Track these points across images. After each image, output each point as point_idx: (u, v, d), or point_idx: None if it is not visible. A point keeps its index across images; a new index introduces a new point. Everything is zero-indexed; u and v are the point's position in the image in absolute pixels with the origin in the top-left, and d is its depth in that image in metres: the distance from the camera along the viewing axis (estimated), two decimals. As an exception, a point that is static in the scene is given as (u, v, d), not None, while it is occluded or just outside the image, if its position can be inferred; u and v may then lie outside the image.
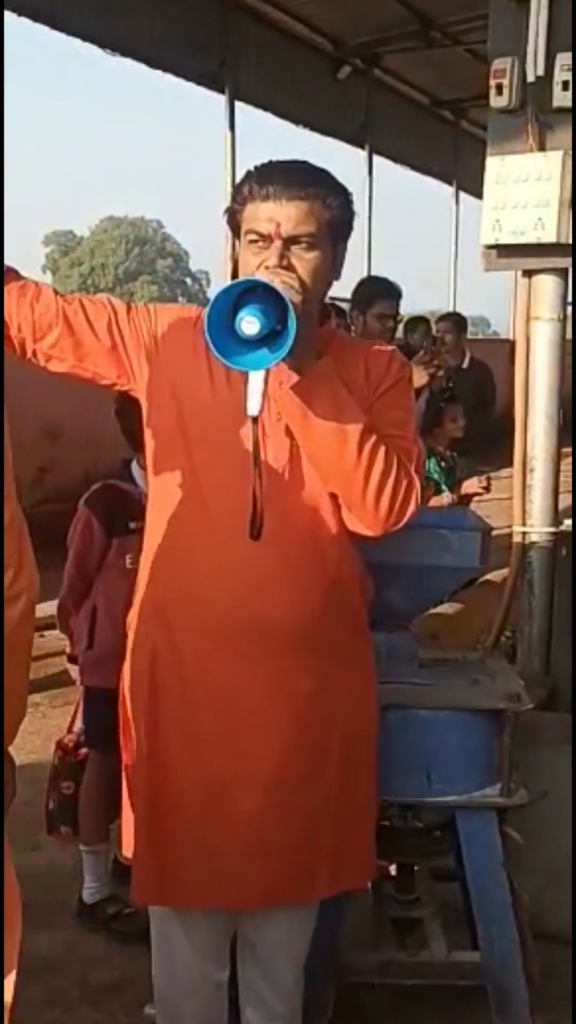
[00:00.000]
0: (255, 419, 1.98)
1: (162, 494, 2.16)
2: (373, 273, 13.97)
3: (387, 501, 2.08)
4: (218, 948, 2.31)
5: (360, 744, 2.25)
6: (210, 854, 2.14)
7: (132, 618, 2.24)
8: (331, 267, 2.12)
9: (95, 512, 3.23)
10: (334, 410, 2.04)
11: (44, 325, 2.09)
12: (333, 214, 2.07)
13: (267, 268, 2.03)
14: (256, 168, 2.13)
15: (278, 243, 2.04)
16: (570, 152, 3.38)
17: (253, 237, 2.06)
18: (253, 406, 1.96)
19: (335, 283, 2.17)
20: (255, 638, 2.09)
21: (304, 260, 2.06)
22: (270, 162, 2.13)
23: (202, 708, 2.12)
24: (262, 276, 1.96)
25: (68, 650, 3.46)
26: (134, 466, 3.25)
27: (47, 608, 6.95)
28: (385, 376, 2.18)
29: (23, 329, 2.09)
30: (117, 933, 3.27)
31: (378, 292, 4.72)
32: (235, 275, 2.12)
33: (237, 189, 2.13)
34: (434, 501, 4.87)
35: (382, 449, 2.07)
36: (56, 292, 2.14)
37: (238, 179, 2.15)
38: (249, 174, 2.12)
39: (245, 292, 1.91)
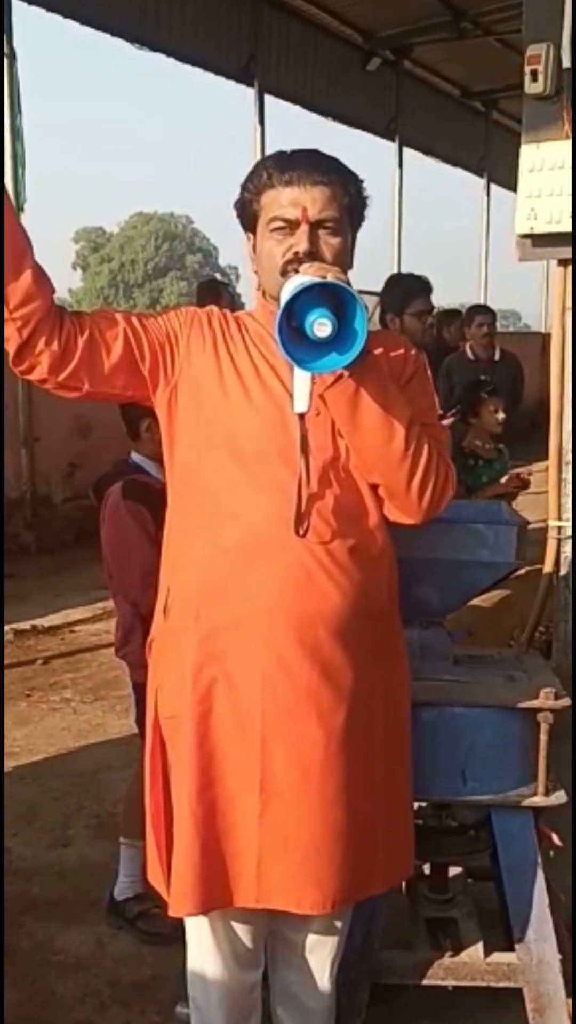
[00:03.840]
0: (302, 416, 2.00)
1: (193, 494, 2.12)
2: (402, 267, 13.96)
3: (429, 490, 2.09)
4: (254, 951, 2.28)
5: (399, 738, 2.23)
6: (275, 860, 2.08)
7: (163, 621, 2.18)
8: (350, 254, 2.11)
9: (143, 505, 3.15)
10: (383, 402, 2.02)
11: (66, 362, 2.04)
12: (352, 200, 2.08)
13: (299, 260, 2.01)
14: (270, 157, 2.11)
15: (305, 227, 2.02)
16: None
17: (278, 224, 2.04)
18: (302, 404, 1.98)
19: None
20: (300, 634, 2.05)
21: (330, 245, 2.05)
22: (283, 151, 2.12)
23: (253, 710, 2.06)
24: (312, 274, 1.92)
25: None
26: (138, 458, 3.22)
27: (76, 607, 7.00)
28: (405, 365, 2.18)
29: (43, 365, 2.03)
30: (142, 932, 3.24)
31: (413, 290, 4.63)
32: (262, 272, 2.09)
33: (250, 178, 2.10)
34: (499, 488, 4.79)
35: (424, 439, 2.07)
36: (72, 317, 2.07)
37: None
38: (263, 163, 2.10)
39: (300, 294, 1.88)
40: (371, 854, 2.16)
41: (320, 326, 1.85)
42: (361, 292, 1.94)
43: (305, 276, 1.93)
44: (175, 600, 2.14)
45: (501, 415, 5.24)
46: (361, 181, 2.11)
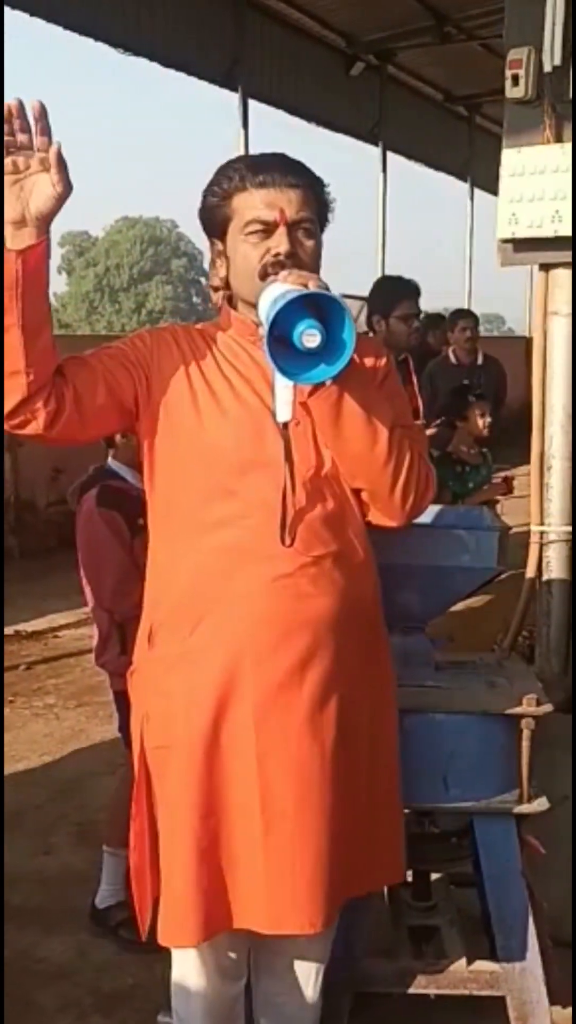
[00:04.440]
0: (286, 425, 1.99)
1: (175, 518, 2.09)
2: (387, 271, 13.96)
3: (413, 492, 2.09)
4: (238, 962, 2.26)
5: (386, 743, 2.22)
6: (283, 883, 2.05)
7: (147, 650, 2.14)
8: (320, 257, 2.10)
9: (119, 512, 3.13)
10: (366, 407, 2.01)
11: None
12: (320, 203, 2.08)
13: (280, 263, 2.00)
14: (238, 160, 2.10)
15: (283, 229, 2.01)
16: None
17: (255, 227, 2.02)
18: (285, 413, 1.97)
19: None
20: (290, 647, 2.03)
21: (306, 247, 2.05)
22: (247, 156, 2.14)
23: (248, 731, 2.03)
24: (292, 282, 1.90)
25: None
26: (115, 464, 3.20)
27: (60, 612, 6.96)
28: (377, 367, 2.17)
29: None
30: (124, 940, 3.22)
31: (400, 293, 4.62)
32: (237, 277, 2.08)
33: (217, 182, 2.08)
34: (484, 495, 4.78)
35: (406, 441, 2.07)
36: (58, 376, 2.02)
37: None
38: (231, 167, 2.08)
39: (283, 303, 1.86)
40: (358, 859, 2.16)
41: (309, 337, 1.84)
42: (344, 296, 1.93)
43: (285, 285, 1.91)
44: (161, 627, 2.11)
45: (487, 419, 5.24)
46: (326, 185, 2.11)
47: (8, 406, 1.95)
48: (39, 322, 1.91)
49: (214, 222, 2.09)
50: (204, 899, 2.06)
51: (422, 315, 4.84)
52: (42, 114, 1.80)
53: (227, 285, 2.16)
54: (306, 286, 1.88)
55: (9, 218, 1.84)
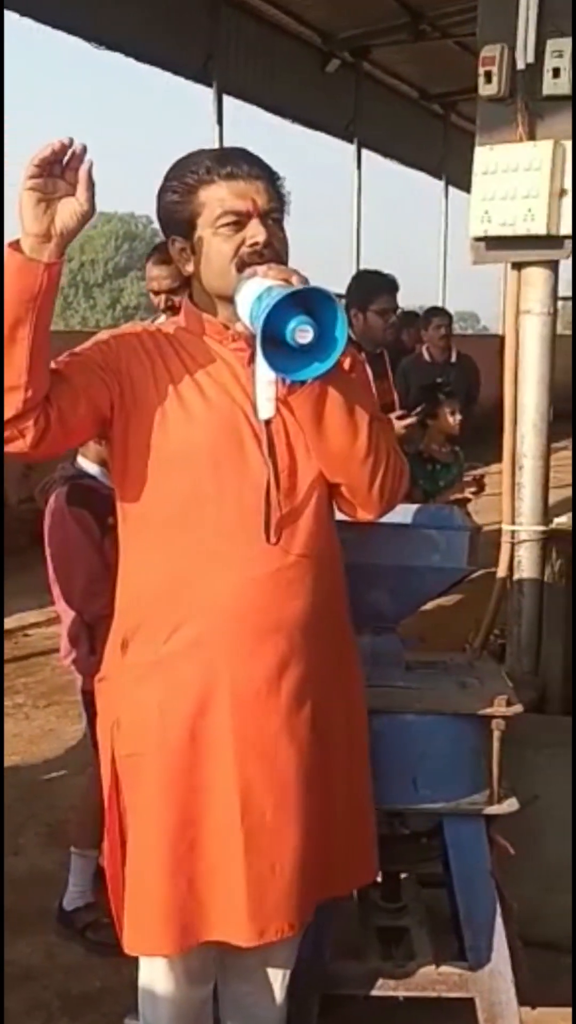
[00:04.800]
0: (268, 422, 1.98)
1: (151, 525, 2.05)
2: (362, 266, 13.95)
3: (390, 485, 2.09)
4: (206, 966, 2.24)
5: (359, 743, 2.22)
6: (265, 889, 2.03)
7: (120, 658, 2.10)
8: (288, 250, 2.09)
9: (89, 510, 3.09)
10: (347, 401, 1.99)
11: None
12: (281, 195, 2.06)
13: (259, 253, 1.97)
14: (200, 154, 2.05)
15: (256, 220, 1.98)
16: (561, 141, 3.30)
17: (229, 219, 1.99)
18: (268, 410, 1.95)
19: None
20: (267, 646, 2.01)
21: (278, 238, 2.03)
22: (206, 149, 2.08)
23: (225, 735, 2.01)
24: (274, 277, 1.88)
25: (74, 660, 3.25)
26: (84, 462, 3.17)
27: (30, 611, 6.89)
28: (344, 359, 2.13)
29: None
30: (91, 943, 3.19)
31: (378, 287, 4.61)
32: (210, 272, 2.03)
33: (178, 177, 2.03)
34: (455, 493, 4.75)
35: (382, 434, 2.06)
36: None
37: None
38: (193, 160, 2.03)
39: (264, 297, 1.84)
40: (335, 861, 2.15)
41: (302, 333, 1.81)
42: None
43: (266, 280, 1.88)
44: (135, 635, 2.07)
45: (458, 417, 5.22)
46: (282, 179, 2.08)
47: (10, 427, 1.89)
48: (46, 339, 1.87)
49: (177, 219, 2.04)
50: (180, 908, 2.03)
51: (398, 311, 4.84)
52: (82, 153, 1.80)
53: (187, 283, 2.12)
54: (288, 280, 1.85)
55: (33, 231, 1.80)
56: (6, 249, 1.82)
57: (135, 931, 2.08)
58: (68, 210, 1.81)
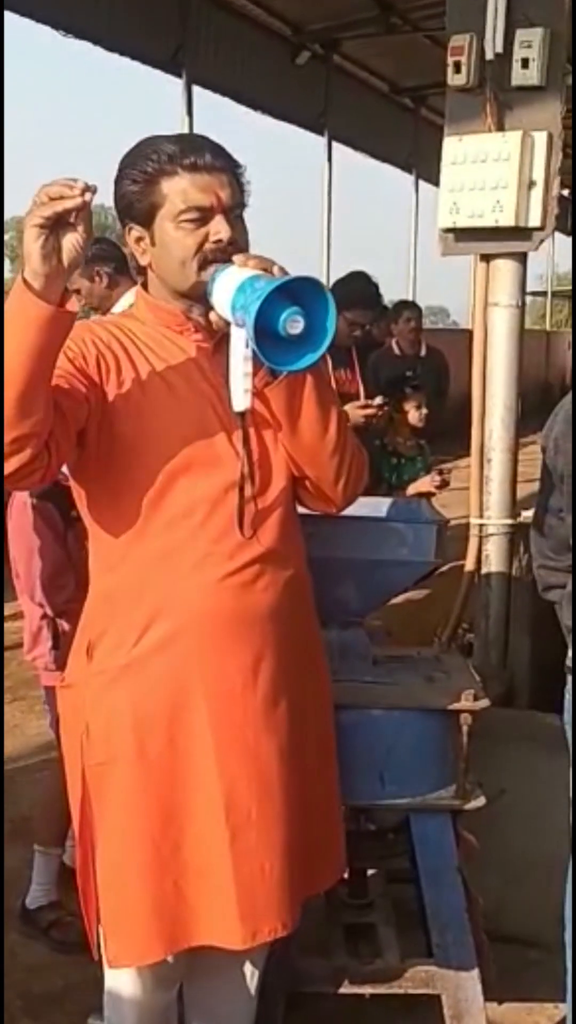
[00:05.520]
0: (243, 414, 1.94)
1: (118, 516, 1.99)
2: (331, 261, 13.95)
3: (354, 478, 2.09)
4: (174, 967, 2.18)
5: (327, 739, 2.20)
6: (255, 890, 1.99)
7: (86, 663, 2.04)
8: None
9: (52, 503, 3.03)
10: (319, 395, 1.97)
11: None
12: (244, 188, 2.00)
13: (224, 250, 1.93)
14: (159, 140, 1.97)
15: (220, 216, 1.94)
16: (530, 132, 3.28)
17: (192, 215, 1.93)
18: (243, 402, 1.91)
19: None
20: (241, 642, 1.98)
21: (240, 233, 1.98)
22: (166, 135, 1.99)
23: (204, 733, 1.97)
24: (253, 266, 1.84)
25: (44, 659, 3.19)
26: None
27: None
28: None
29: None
30: (55, 942, 3.15)
31: (360, 298, 4.60)
32: (170, 265, 1.98)
33: (137, 165, 1.95)
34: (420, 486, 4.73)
35: (346, 427, 2.05)
36: None
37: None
38: (153, 147, 1.95)
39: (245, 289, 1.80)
40: (314, 858, 2.13)
41: (294, 323, 1.78)
42: None
43: (245, 271, 1.84)
44: (102, 640, 2.02)
45: (423, 411, 5.20)
46: (244, 168, 2.02)
47: (13, 466, 1.79)
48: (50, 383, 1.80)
49: (137, 208, 1.96)
50: (167, 912, 2.00)
51: (365, 327, 4.82)
52: (92, 197, 1.69)
53: (143, 272, 2.07)
54: (269, 271, 1.82)
55: (44, 271, 1.70)
56: (27, 299, 1.71)
57: (118, 942, 2.03)
58: (71, 243, 1.71)
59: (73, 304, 1.76)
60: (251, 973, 2.28)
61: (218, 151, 1.97)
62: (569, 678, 2.50)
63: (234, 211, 1.96)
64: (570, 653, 2.49)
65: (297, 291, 1.80)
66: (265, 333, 1.79)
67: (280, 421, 2.00)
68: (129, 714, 1.99)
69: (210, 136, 2.04)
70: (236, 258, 1.89)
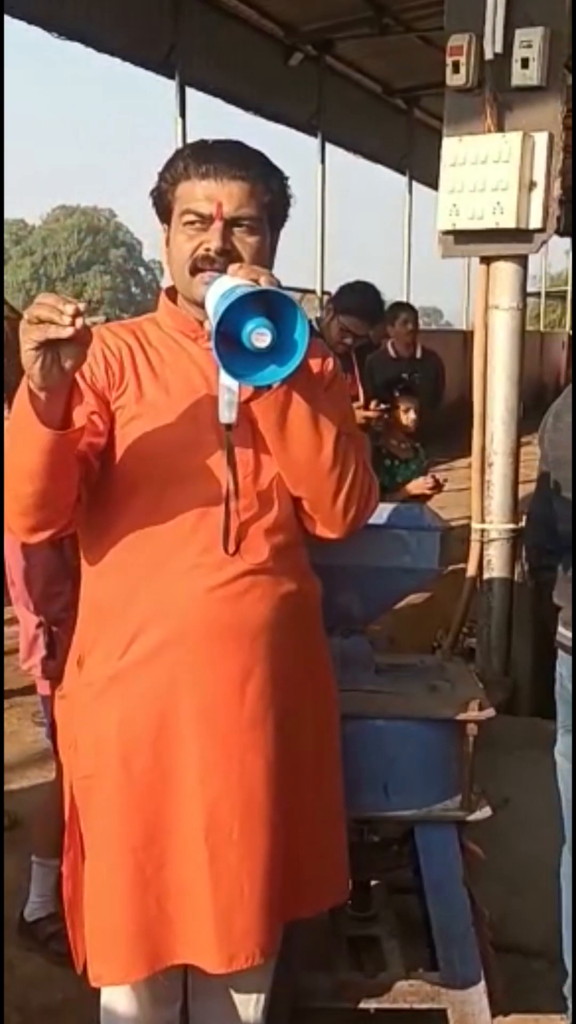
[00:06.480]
0: (229, 427, 1.90)
1: (108, 525, 1.97)
2: (325, 263, 13.93)
3: (355, 503, 2.00)
4: (172, 986, 2.15)
5: (328, 755, 2.15)
6: (235, 914, 1.95)
7: (77, 674, 2.02)
8: (271, 254, 2.00)
9: None
10: (313, 411, 1.90)
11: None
12: (273, 197, 1.96)
13: (210, 259, 1.91)
14: (190, 146, 1.99)
15: (219, 224, 1.91)
16: (530, 133, 3.25)
17: (191, 218, 1.92)
18: (228, 415, 1.87)
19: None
20: (233, 658, 1.94)
21: (246, 244, 1.93)
22: (204, 141, 1.99)
23: (190, 750, 1.94)
24: (243, 277, 1.79)
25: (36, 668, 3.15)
26: None
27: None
28: (324, 369, 2.06)
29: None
30: (55, 954, 3.11)
31: (359, 308, 4.57)
32: (173, 267, 1.97)
33: (167, 167, 1.98)
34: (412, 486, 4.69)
35: (351, 449, 1.97)
36: None
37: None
38: (181, 152, 1.98)
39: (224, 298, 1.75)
40: (305, 879, 2.08)
41: (259, 336, 1.71)
42: (284, 288, 1.83)
43: (234, 279, 1.80)
44: (92, 650, 2.00)
45: (412, 415, 5.16)
46: (286, 178, 1.99)
47: (44, 535, 1.90)
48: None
49: (161, 207, 1.99)
50: (149, 930, 1.96)
51: (359, 340, 4.79)
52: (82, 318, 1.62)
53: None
54: (256, 280, 1.77)
55: (44, 385, 1.66)
56: (32, 421, 1.69)
57: (100, 961, 2.00)
58: (70, 354, 1.65)
59: (81, 418, 1.77)
60: (255, 1000, 2.22)
61: (239, 159, 1.93)
62: (561, 653, 2.48)
63: (240, 222, 1.92)
64: (565, 632, 2.47)
65: (277, 307, 1.75)
66: (237, 344, 1.74)
67: (269, 436, 1.95)
68: (115, 728, 1.96)
69: (196, 136, 2.06)
70: (230, 268, 1.86)
